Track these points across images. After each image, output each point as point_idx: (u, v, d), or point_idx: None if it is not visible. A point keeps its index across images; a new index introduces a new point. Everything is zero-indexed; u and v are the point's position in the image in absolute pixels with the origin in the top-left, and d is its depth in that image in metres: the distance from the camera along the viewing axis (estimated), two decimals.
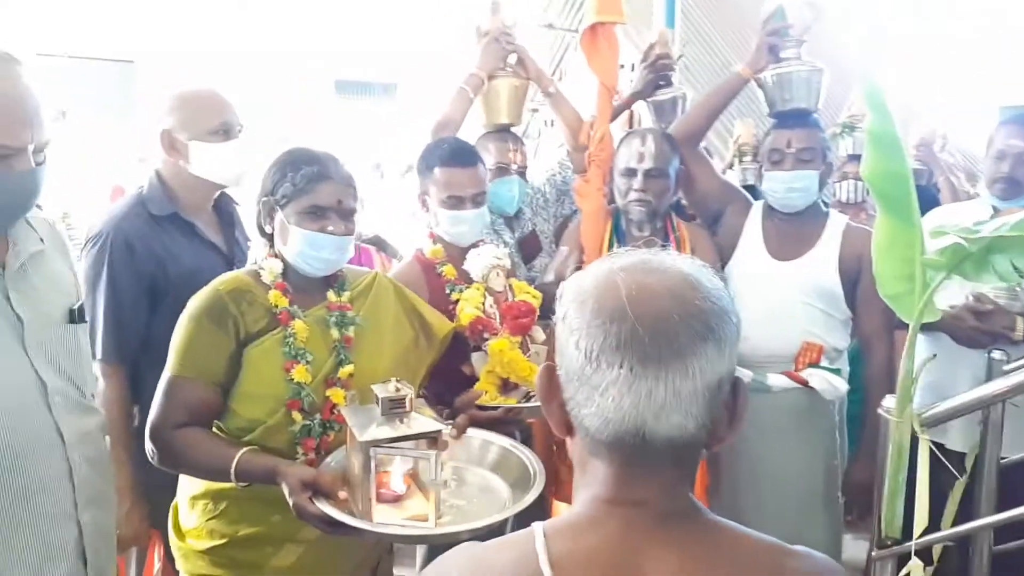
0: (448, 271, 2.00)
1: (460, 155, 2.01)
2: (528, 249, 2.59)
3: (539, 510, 2.21)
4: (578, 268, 2.31)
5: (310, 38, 11.87)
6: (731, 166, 4.41)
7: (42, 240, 1.42)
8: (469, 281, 1.96)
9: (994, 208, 2.17)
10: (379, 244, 3.41)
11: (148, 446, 1.52)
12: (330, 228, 1.54)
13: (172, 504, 1.66)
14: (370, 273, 1.76)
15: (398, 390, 1.36)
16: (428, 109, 2.60)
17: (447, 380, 1.92)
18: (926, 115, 4.59)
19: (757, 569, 0.77)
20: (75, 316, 1.43)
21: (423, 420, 1.37)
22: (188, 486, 1.61)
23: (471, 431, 1.64)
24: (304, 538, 1.52)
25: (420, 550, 2.16)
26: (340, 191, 1.55)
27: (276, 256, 1.60)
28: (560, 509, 2.39)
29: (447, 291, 1.98)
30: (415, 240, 2.21)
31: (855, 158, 3.26)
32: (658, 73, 2.56)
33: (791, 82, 2.25)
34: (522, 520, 1.93)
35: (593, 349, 0.73)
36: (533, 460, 1.53)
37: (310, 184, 1.52)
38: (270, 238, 1.60)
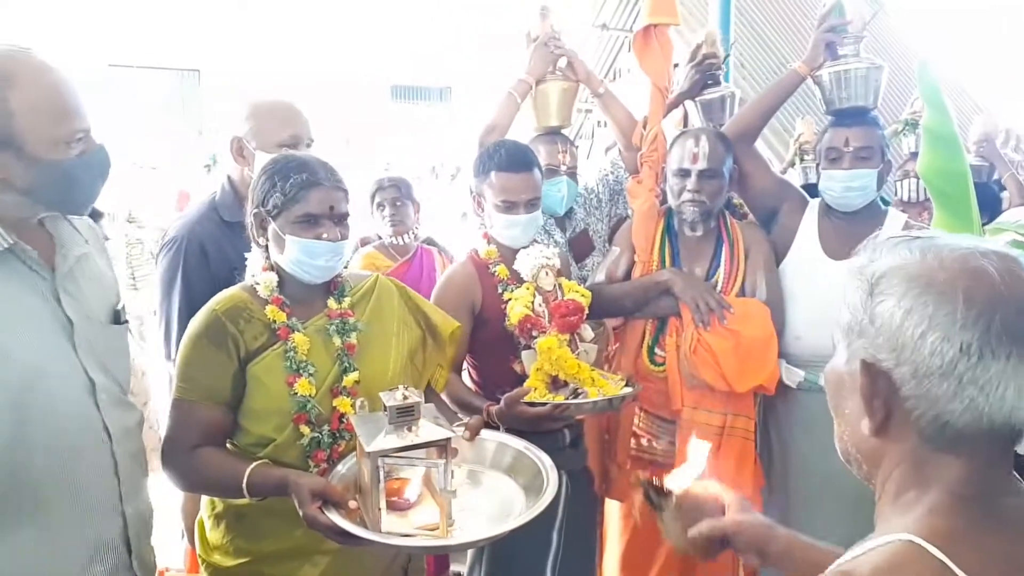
0: (501, 271, 2.04)
1: (517, 161, 2.03)
2: (580, 248, 2.61)
3: (591, 507, 2.23)
4: (630, 268, 2.31)
5: (367, 44, 12.10)
6: (792, 164, 4.34)
7: (86, 242, 1.48)
8: (521, 280, 1.99)
9: None
10: (432, 245, 3.43)
11: (165, 470, 1.53)
12: (324, 235, 1.50)
13: (197, 520, 1.67)
14: (371, 276, 1.72)
15: (406, 398, 1.31)
16: (481, 112, 2.63)
17: (498, 378, 1.95)
18: (990, 109, 4.45)
19: None
20: (118, 316, 1.48)
21: (431, 427, 1.33)
22: (210, 504, 1.61)
23: (487, 433, 1.61)
24: (330, 548, 1.49)
25: (471, 552, 2.18)
26: (331, 197, 1.52)
27: (272, 268, 1.57)
28: (612, 507, 2.39)
29: (499, 290, 2.01)
30: (466, 241, 2.24)
31: (917, 156, 3.19)
32: (705, 73, 2.55)
33: (849, 80, 2.21)
34: (572, 515, 1.95)
35: (970, 342, 0.70)
36: (547, 464, 1.50)
37: (300, 192, 1.49)
38: (265, 249, 1.58)
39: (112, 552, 1.41)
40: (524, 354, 1.91)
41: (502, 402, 1.75)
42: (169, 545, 2.35)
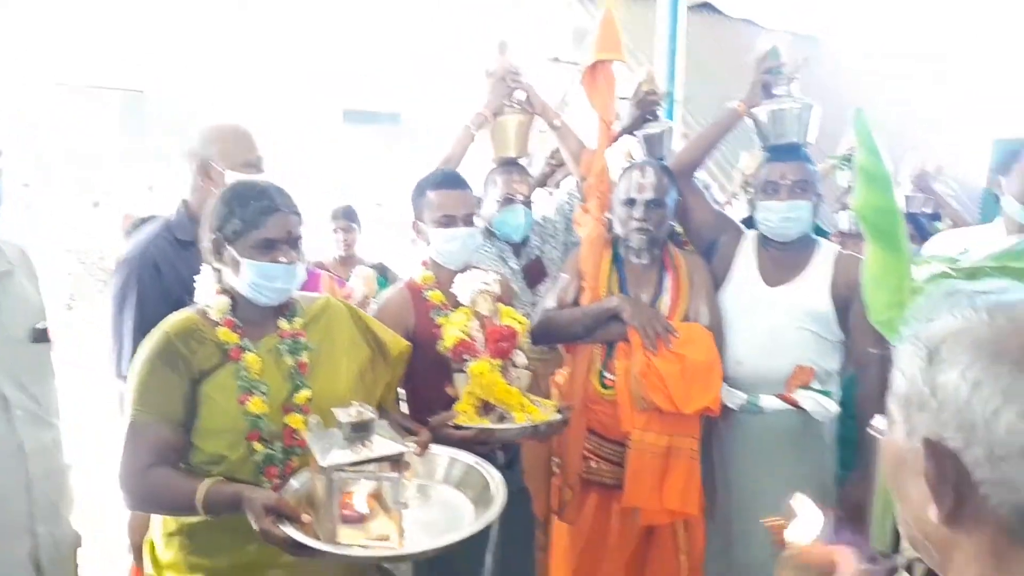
0: (434, 296, 2.08)
1: (451, 179, 2.17)
2: (533, 275, 2.69)
3: (527, 528, 2.27)
4: (578, 294, 2.39)
5: (319, 67, 12.10)
6: (735, 196, 4.50)
7: (10, 263, 1.50)
8: (456, 306, 2.03)
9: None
10: (382, 270, 3.53)
11: (119, 492, 1.53)
12: (282, 258, 1.56)
13: (147, 539, 1.68)
14: (322, 298, 1.79)
15: (360, 413, 1.36)
16: (432, 137, 2.73)
17: (433, 399, 1.98)
18: (922, 147, 4.70)
19: None
20: (38, 336, 1.51)
21: (385, 442, 1.37)
22: (161, 522, 1.62)
23: (438, 448, 1.68)
24: (284, 563, 1.51)
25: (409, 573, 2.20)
26: (288, 222, 1.58)
27: (225, 291, 1.61)
28: (563, 529, 2.44)
29: (431, 315, 2.05)
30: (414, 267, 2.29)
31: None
32: (645, 109, 2.66)
33: (783, 118, 2.35)
34: (507, 536, 2.00)
35: None
36: (495, 477, 1.57)
37: (260, 218, 1.55)
38: (219, 273, 1.62)
39: (20, 573, 1.41)
40: (457, 378, 1.95)
41: (430, 424, 1.80)
42: (114, 564, 2.33)
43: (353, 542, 1.35)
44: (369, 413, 1.38)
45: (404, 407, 2.14)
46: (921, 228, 3.39)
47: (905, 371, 0.71)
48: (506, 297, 2.18)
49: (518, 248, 2.70)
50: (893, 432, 0.74)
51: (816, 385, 2.25)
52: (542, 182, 3.42)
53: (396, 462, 1.37)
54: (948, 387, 0.66)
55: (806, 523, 1.04)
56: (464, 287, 2.00)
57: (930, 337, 0.69)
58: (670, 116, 4.06)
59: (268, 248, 1.56)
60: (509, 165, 2.68)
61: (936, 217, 3.79)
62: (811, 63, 2.51)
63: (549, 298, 2.43)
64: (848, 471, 2.34)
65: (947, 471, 0.66)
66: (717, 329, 2.30)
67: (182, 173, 2.09)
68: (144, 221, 2.89)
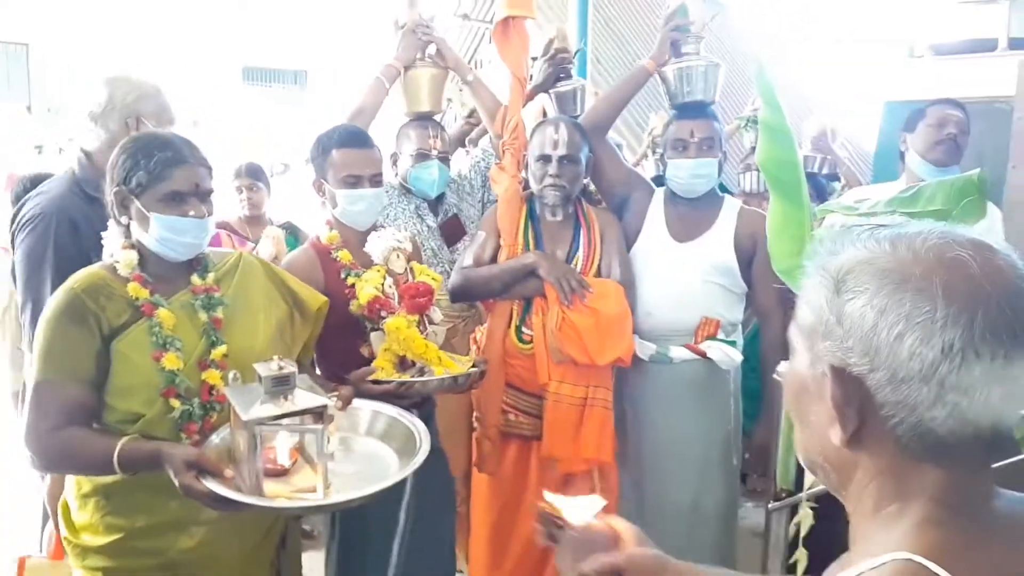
0: (343, 256, 2.04)
1: (355, 138, 2.08)
2: (450, 233, 2.68)
3: (444, 486, 2.29)
4: (496, 252, 2.41)
5: (217, 23, 11.53)
6: (645, 156, 4.58)
7: None
8: (368, 264, 2.01)
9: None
10: (291, 230, 3.46)
11: (26, 453, 1.49)
12: (191, 212, 1.52)
13: (61, 502, 1.64)
14: (234, 253, 1.76)
15: (281, 368, 1.36)
16: (337, 96, 2.67)
17: (345, 360, 1.96)
18: (819, 109, 4.90)
19: None
20: None
21: (307, 395, 1.37)
22: (77, 484, 1.58)
23: (360, 402, 1.69)
24: (206, 519, 1.51)
25: (326, 533, 2.20)
26: (196, 174, 1.54)
27: (132, 247, 1.57)
28: (483, 482, 2.48)
29: (342, 276, 2.02)
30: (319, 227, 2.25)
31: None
32: (557, 67, 2.67)
33: (691, 76, 2.41)
34: (424, 494, 2.02)
35: (952, 342, 0.64)
36: (419, 428, 1.59)
37: (166, 170, 1.50)
38: (126, 228, 1.57)
39: None
40: (373, 335, 1.94)
41: (349, 380, 1.80)
42: (30, 532, 2.27)
43: (277, 494, 1.35)
44: (290, 367, 1.37)
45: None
46: (820, 188, 3.55)
47: (811, 301, 0.73)
48: (417, 257, 2.17)
49: (435, 205, 2.68)
50: (796, 361, 0.77)
51: (721, 335, 2.36)
52: (460, 140, 3.40)
53: (319, 415, 1.37)
54: (855, 315, 0.68)
55: (583, 505, 1.07)
56: (377, 246, 1.98)
57: (836, 268, 0.71)
58: (582, 74, 4.08)
59: (176, 201, 1.52)
60: (423, 120, 2.65)
61: (834, 177, 3.97)
62: (717, 27, 2.58)
63: (467, 256, 2.44)
64: (752, 421, 2.47)
65: (852, 395, 0.69)
66: (629, 284, 2.36)
67: (88, 126, 2.00)
68: (33, 180, 2.73)
